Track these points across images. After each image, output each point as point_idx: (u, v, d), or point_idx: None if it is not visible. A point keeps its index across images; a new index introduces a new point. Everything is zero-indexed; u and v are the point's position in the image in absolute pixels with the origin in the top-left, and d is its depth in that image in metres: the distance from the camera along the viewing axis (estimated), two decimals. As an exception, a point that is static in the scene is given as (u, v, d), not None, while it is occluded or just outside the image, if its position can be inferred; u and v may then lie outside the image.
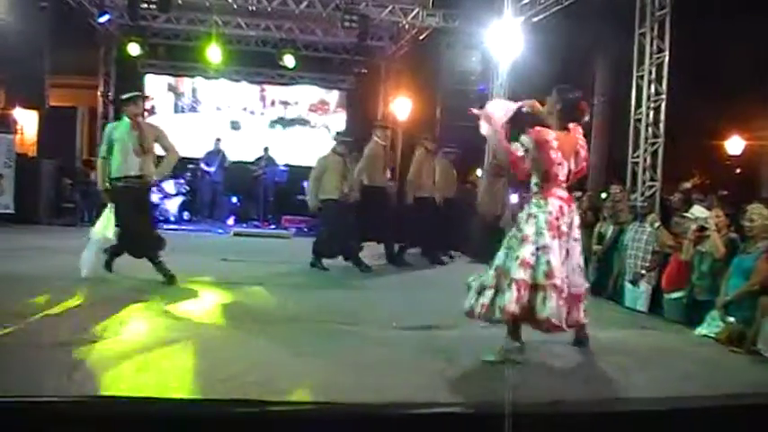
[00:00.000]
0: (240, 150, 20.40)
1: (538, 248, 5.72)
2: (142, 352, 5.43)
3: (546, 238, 5.75)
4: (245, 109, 22.14)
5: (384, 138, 12.40)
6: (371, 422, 4.43)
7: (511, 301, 5.56)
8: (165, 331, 6.21)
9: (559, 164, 6.04)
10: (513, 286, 5.58)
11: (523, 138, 6.17)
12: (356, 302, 8.36)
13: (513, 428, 4.31)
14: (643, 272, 9.61)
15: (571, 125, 6.33)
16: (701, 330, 7.40)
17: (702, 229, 8.38)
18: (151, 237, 8.92)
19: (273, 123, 22.30)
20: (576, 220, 6.15)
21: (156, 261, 8.75)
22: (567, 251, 5.94)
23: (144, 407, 4.32)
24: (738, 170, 23.86)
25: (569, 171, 6.17)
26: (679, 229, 9.21)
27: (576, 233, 6.09)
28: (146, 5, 15.67)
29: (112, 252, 8.98)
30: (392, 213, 13.17)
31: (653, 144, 12.04)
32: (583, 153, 6.31)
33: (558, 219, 5.89)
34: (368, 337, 6.43)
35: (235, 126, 21.85)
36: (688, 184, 13.39)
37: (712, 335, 7.18)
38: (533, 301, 5.61)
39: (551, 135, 6.06)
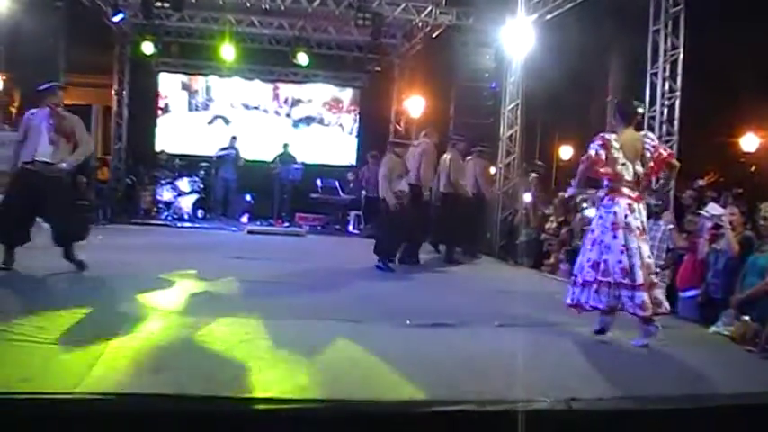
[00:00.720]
0: (255, 148, 20.44)
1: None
2: (157, 350, 5.46)
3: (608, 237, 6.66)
4: (257, 107, 22.17)
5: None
6: (383, 420, 4.45)
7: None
8: (180, 329, 6.23)
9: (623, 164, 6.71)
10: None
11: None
12: (370, 300, 8.39)
13: (527, 426, 4.32)
14: (657, 270, 9.60)
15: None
16: (716, 329, 7.39)
17: (717, 227, 8.38)
18: (72, 224, 8.99)
19: (289, 121, 22.31)
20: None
21: (68, 250, 8.81)
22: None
23: (159, 404, 4.35)
24: (753, 168, 23.73)
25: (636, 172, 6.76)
26: (692, 228, 9.21)
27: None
28: (159, 4, 15.68)
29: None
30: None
31: (667, 142, 11.97)
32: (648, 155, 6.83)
33: (626, 216, 6.60)
34: (381, 334, 6.45)
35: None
36: (702, 182, 13.36)
37: (726, 333, 7.17)
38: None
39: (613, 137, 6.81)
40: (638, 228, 6.66)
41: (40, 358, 5.02)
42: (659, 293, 6.70)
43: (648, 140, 6.96)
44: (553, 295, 9.26)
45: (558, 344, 6.48)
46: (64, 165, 8.74)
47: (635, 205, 6.69)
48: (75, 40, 17.37)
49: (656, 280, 6.78)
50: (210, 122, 21.78)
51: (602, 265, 6.71)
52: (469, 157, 13.75)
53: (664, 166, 7.02)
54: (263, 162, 19.75)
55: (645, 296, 6.50)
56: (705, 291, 8.48)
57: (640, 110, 7.49)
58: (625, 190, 6.73)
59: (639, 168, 6.77)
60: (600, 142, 6.81)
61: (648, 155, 6.82)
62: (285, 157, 19.26)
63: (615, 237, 6.63)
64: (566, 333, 7.05)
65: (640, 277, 6.53)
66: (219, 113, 21.94)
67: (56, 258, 9.17)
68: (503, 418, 4.44)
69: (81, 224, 9.26)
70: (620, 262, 6.59)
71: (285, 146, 19.57)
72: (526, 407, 4.48)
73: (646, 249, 6.71)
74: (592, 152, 6.80)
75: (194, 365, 5.11)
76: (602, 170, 6.72)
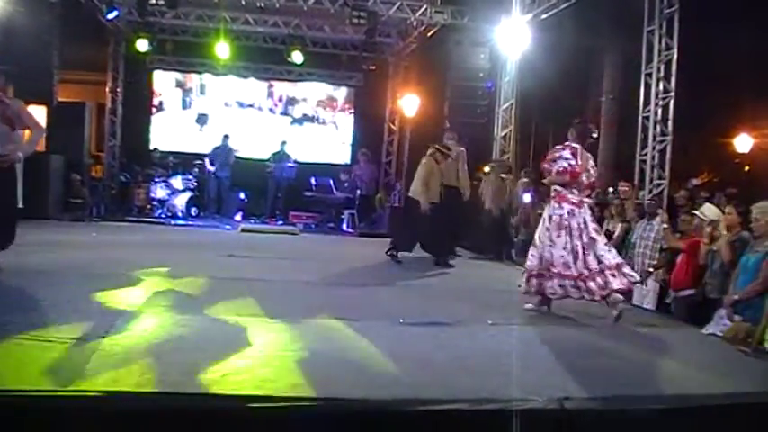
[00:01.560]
0: (249, 146, 20.45)
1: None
2: (152, 347, 5.45)
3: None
4: (252, 105, 22.14)
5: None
6: (376, 418, 4.45)
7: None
8: (173, 326, 6.22)
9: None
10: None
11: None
12: (364, 299, 8.39)
13: (520, 425, 4.33)
14: (650, 270, 9.62)
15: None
16: (709, 329, 7.40)
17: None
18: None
19: (284, 120, 22.28)
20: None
21: None
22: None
23: (152, 401, 4.34)
24: (747, 168, 23.79)
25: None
26: (686, 227, 9.23)
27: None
28: (154, 1, 15.70)
29: None
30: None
31: (661, 142, 12.03)
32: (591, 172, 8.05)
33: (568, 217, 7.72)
34: (374, 332, 6.44)
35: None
36: (695, 182, 13.41)
37: (719, 333, 7.18)
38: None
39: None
40: (577, 226, 7.70)
41: (34, 356, 5.01)
42: (607, 277, 7.55)
43: (591, 160, 8.14)
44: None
45: (551, 343, 6.48)
46: (19, 154, 8.62)
47: (575, 209, 7.75)
48: (69, 37, 17.37)
49: (598, 267, 7.61)
50: (198, 121, 21.71)
51: (547, 258, 7.78)
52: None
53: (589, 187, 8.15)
54: (257, 160, 19.75)
55: (591, 284, 7.56)
56: (702, 291, 8.50)
57: (594, 135, 8.99)
58: (570, 196, 7.80)
59: (584, 179, 7.91)
60: (571, 152, 7.87)
61: (591, 172, 8.01)
62: (281, 155, 19.24)
63: (559, 236, 7.71)
64: (559, 332, 7.07)
65: (578, 270, 7.61)
66: (202, 111, 21.93)
67: (47, 255, 9.17)
68: (496, 417, 4.44)
69: (7, 230, 8.62)
70: (562, 257, 7.66)
71: (283, 144, 19.56)
72: (519, 406, 4.48)
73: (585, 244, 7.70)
74: (567, 164, 7.80)
75: (187, 363, 5.10)
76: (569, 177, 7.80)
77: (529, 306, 8.04)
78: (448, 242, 12.59)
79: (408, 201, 12.19)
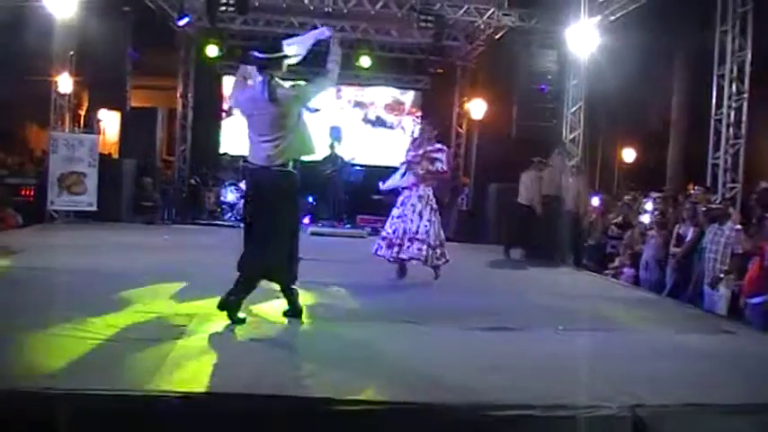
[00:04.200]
0: (317, 151, 20.50)
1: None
2: (222, 349, 5.54)
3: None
4: (319, 110, 22.16)
5: None
6: (445, 423, 4.46)
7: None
8: (245, 329, 6.31)
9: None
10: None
11: None
12: (432, 302, 8.41)
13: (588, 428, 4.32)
14: (722, 275, 9.46)
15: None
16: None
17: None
18: None
19: (352, 123, 22.34)
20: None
21: None
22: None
23: (227, 403, 4.42)
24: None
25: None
26: (758, 231, 9.06)
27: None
28: (224, 8, 15.90)
29: None
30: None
31: (734, 145, 11.80)
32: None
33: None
34: (443, 336, 6.46)
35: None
36: (765, 184, 13.13)
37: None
38: None
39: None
40: None
41: (112, 356, 5.14)
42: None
43: None
44: (617, 300, 9.23)
45: (622, 349, 6.43)
46: None
47: None
48: (141, 44, 17.69)
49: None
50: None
51: None
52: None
53: None
54: (317, 162, 19.83)
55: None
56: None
57: None
58: None
59: None
60: None
61: None
62: (333, 158, 19.09)
63: None
64: (630, 338, 7.01)
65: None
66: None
67: (120, 257, 9.36)
68: (568, 424, 4.43)
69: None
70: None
71: (331, 147, 19.34)
72: (591, 413, 4.46)
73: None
74: None
75: (260, 365, 5.18)
76: None
77: None
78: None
79: (517, 205, 13.80)
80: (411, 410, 4.45)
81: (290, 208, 6.60)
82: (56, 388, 4.33)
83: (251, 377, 4.84)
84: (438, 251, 9.67)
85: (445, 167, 9.93)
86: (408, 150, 10.03)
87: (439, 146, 9.96)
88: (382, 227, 10.27)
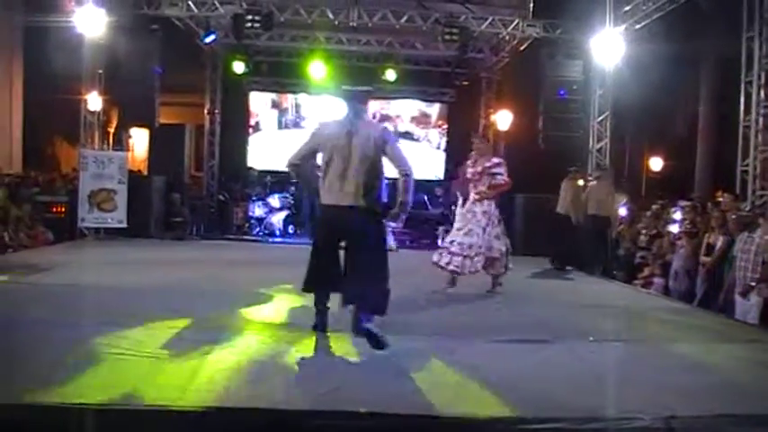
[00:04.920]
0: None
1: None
2: (254, 364, 5.58)
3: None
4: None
5: None
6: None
7: None
8: (275, 343, 6.36)
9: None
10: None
11: None
12: (461, 314, 8.42)
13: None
14: (753, 283, 9.38)
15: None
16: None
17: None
18: None
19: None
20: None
21: None
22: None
23: (259, 418, 4.45)
24: None
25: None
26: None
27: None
28: (249, 24, 16.00)
29: None
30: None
31: (762, 152, 11.70)
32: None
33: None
34: (473, 349, 6.47)
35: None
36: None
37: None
38: None
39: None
40: None
41: (141, 372, 5.20)
42: None
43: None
44: (647, 311, 9.18)
45: (655, 360, 6.41)
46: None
47: None
48: (169, 62, 17.86)
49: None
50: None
51: None
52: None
53: None
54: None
55: None
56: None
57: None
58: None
59: None
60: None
61: None
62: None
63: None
64: (662, 349, 6.98)
65: None
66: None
67: (151, 273, 9.42)
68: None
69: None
70: None
71: None
72: (625, 425, 4.45)
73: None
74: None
75: (292, 379, 5.21)
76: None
77: None
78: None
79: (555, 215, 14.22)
80: (439, 424, 4.47)
81: None
82: (87, 402, 4.39)
83: (283, 392, 4.88)
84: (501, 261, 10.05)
85: (507, 179, 9.96)
86: (467, 167, 10.18)
87: (496, 160, 10.12)
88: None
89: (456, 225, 10.04)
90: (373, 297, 6.35)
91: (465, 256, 9.67)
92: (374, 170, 6.54)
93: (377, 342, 6.09)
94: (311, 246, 6.80)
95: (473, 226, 9.75)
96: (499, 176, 9.86)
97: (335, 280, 6.54)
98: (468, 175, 10.07)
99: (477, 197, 9.88)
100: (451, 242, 9.85)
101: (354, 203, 6.41)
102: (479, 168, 9.93)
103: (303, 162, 6.79)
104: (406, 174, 6.66)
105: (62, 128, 19.37)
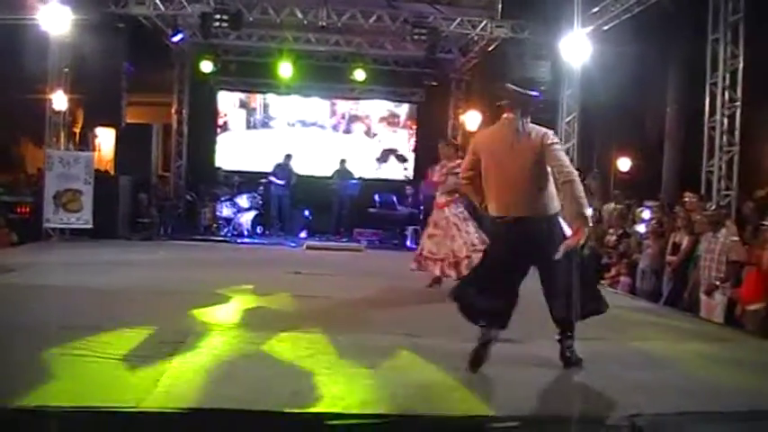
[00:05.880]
0: (313, 164, 20.60)
1: None
2: (219, 365, 5.54)
3: None
4: (315, 123, 22.30)
5: None
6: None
7: None
8: (240, 344, 6.32)
9: None
10: None
11: None
12: (430, 315, 8.38)
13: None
14: (717, 283, 9.46)
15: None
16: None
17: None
18: None
19: (347, 137, 22.38)
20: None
21: None
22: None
23: (224, 419, 4.42)
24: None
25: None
26: (755, 242, 9.07)
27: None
28: (218, 24, 15.92)
29: None
30: None
31: (728, 152, 11.81)
32: None
33: None
34: (441, 349, 6.46)
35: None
36: (762, 192, 13.14)
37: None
38: None
39: None
40: None
41: (107, 374, 5.14)
42: None
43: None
44: (614, 309, 9.19)
45: (619, 358, 6.44)
46: None
47: None
48: (136, 61, 17.72)
49: None
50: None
51: None
52: None
53: None
54: (321, 178, 19.89)
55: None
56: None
57: None
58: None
59: None
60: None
61: None
62: (342, 173, 19.45)
63: None
64: (627, 346, 7.01)
65: None
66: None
67: (117, 274, 9.33)
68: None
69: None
70: None
71: (342, 161, 19.77)
72: (589, 423, 4.46)
73: None
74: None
75: (257, 380, 5.17)
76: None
77: None
78: None
79: None
80: (407, 423, 4.45)
81: None
82: (52, 405, 4.33)
83: (249, 393, 4.84)
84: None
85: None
86: (435, 171, 10.58)
87: (459, 161, 9.93)
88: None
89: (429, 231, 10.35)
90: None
91: (443, 261, 9.96)
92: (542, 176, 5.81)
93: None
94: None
95: (451, 230, 10.01)
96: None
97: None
98: (435, 178, 10.48)
99: (442, 203, 10.25)
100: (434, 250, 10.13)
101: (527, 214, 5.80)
102: (444, 170, 10.26)
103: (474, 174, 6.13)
104: (570, 180, 5.68)
105: (27, 127, 19.13)
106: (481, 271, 6.19)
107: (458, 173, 9.59)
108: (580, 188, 5.65)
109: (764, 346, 7.46)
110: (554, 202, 5.81)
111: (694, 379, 5.81)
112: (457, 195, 9.96)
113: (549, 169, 5.77)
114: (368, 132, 22.48)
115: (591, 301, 5.89)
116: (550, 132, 5.93)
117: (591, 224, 6.47)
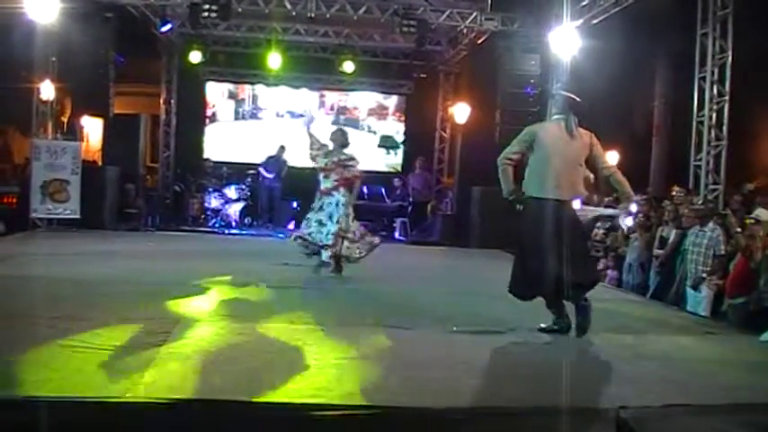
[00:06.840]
0: (301, 156, 20.55)
1: None
2: (209, 355, 5.54)
3: None
4: (303, 115, 22.21)
5: None
6: (432, 426, 4.47)
7: None
8: (230, 335, 6.31)
9: None
10: None
11: None
12: (417, 306, 8.39)
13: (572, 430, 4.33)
14: (704, 276, 9.50)
15: None
16: (766, 337, 7.29)
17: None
18: None
19: (335, 128, 22.28)
20: None
21: None
22: None
23: (210, 409, 4.41)
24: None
25: None
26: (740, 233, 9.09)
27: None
28: (206, 14, 15.85)
29: None
30: None
31: (716, 147, 11.85)
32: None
33: None
34: (427, 340, 6.47)
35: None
36: (750, 186, 13.18)
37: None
38: None
39: None
40: None
41: (93, 364, 5.12)
42: None
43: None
44: (600, 303, 9.22)
45: (605, 350, 6.47)
46: None
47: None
48: (124, 51, 17.65)
49: None
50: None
51: None
52: None
53: None
54: (309, 169, 19.84)
55: None
56: (757, 299, 8.35)
57: None
58: None
59: None
60: None
61: None
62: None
63: None
64: (613, 339, 7.03)
65: None
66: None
67: (104, 264, 9.30)
68: (551, 426, 4.44)
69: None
70: None
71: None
72: (575, 415, 4.47)
73: None
74: None
75: (244, 371, 5.17)
76: None
77: None
78: None
79: None
80: (392, 414, 4.45)
81: None
82: (39, 396, 4.32)
83: (235, 383, 4.84)
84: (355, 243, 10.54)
85: (357, 174, 10.94)
86: (322, 157, 10.91)
87: (350, 154, 10.95)
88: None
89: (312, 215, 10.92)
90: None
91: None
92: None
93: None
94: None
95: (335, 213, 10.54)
96: (352, 169, 10.80)
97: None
98: (323, 165, 10.89)
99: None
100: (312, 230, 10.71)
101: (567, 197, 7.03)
102: (335, 159, 10.76)
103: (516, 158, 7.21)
104: (616, 169, 7.52)
105: (14, 117, 19.04)
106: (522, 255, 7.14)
107: (348, 165, 10.53)
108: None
109: (749, 340, 7.48)
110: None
111: (680, 372, 5.84)
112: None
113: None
114: (357, 124, 22.42)
115: (594, 270, 7.25)
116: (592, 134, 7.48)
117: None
